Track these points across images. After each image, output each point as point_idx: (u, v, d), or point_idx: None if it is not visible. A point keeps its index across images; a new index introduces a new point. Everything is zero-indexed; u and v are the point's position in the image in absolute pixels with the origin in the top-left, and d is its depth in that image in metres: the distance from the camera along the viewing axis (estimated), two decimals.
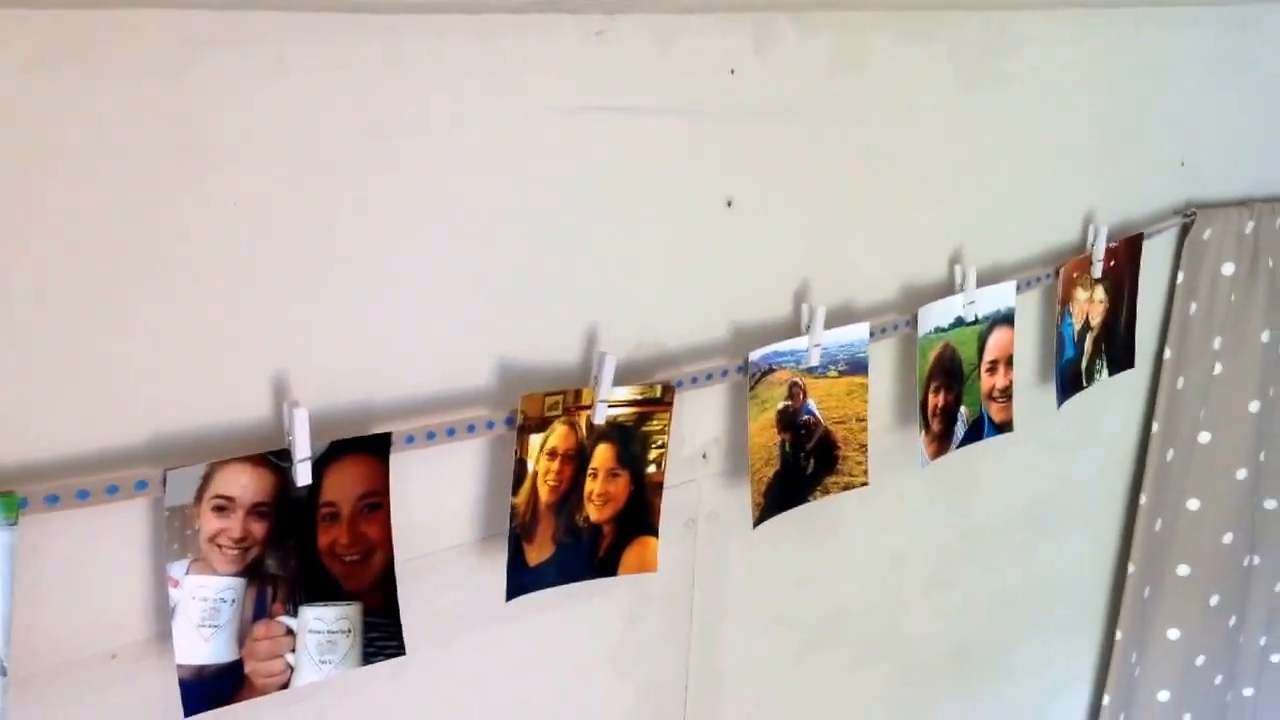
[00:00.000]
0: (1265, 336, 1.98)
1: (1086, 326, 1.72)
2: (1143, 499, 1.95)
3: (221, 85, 0.92)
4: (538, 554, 1.19)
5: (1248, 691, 2.41)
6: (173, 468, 0.95)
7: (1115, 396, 1.87)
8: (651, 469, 1.26)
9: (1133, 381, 1.88)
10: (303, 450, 1.00)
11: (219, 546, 0.99)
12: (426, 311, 1.09)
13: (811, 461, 1.42)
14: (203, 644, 0.99)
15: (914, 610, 1.70)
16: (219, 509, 0.98)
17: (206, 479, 0.97)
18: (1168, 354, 1.90)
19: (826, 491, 1.43)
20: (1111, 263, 1.71)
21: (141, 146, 0.89)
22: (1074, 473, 1.88)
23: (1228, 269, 1.89)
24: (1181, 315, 1.88)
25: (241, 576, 1.00)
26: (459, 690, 1.21)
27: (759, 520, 1.36)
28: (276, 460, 1.00)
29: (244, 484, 0.99)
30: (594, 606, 1.31)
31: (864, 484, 1.46)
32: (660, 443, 1.25)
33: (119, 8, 0.86)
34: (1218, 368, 1.96)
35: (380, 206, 1.03)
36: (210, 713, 0.99)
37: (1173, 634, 2.11)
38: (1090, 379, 1.75)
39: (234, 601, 1.00)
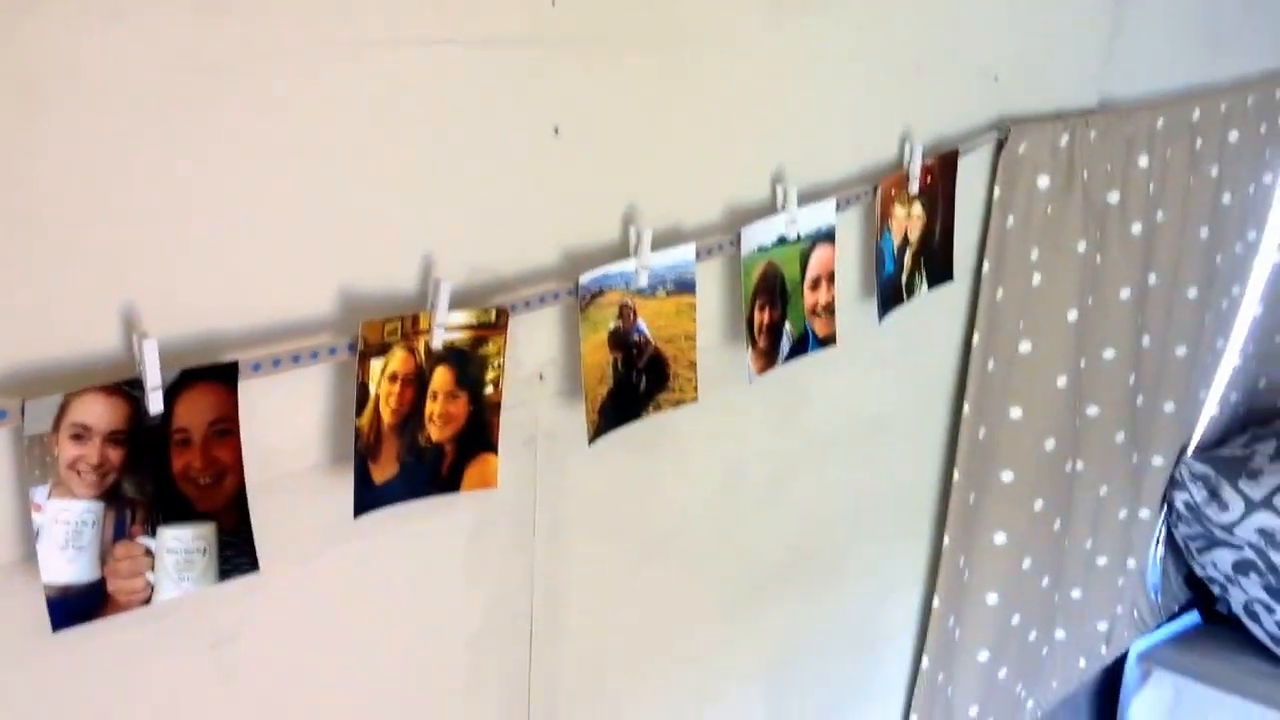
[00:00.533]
0: (1081, 247, 2.21)
1: (905, 242, 1.92)
2: (965, 409, 2.18)
3: (59, 29, 1.04)
4: (383, 473, 1.34)
5: (1076, 593, 2.69)
6: (30, 398, 1.07)
7: (937, 310, 2.08)
8: (489, 390, 1.42)
9: (954, 295, 2.09)
10: (153, 380, 1.14)
11: (78, 472, 1.12)
12: (268, 244, 1.22)
13: (644, 379, 1.59)
14: (66, 564, 1.12)
15: (749, 520, 1.89)
16: (76, 437, 1.11)
17: (63, 409, 1.10)
18: (986, 267, 2.11)
19: (659, 408, 1.61)
20: (928, 179, 1.91)
21: None
22: (901, 385, 2.09)
23: (1043, 182, 2.11)
24: (999, 229, 2.10)
25: (100, 500, 1.14)
26: (316, 602, 1.36)
27: (594, 436, 1.53)
28: (129, 390, 1.13)
29: (99, 413, 1.12)
30: (441, 523, 1.46)
31: (694, 400, 1.64)
32: (497, 364, 1.41)
33: None
34: (1036, 279, 2.18)
35: (218, 144, 1.16)
36: (77, 627, 1.13)
37: (999, 538, 2.35)
38: (911, 293, 1.96)
39: (94, 524, 1.14)
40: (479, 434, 1.42)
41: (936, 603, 2.30)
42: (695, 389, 1.64)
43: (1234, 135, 2.52)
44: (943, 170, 1.94)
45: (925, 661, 2.34)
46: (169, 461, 1.17)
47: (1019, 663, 2.55)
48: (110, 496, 1.14)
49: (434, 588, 1.48)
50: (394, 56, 1.27)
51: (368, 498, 1.33)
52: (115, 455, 1.14)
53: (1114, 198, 2.26)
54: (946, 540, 2.26)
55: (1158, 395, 2.64)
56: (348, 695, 1.43)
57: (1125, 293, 2.37)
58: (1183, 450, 2.89)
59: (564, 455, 1.58)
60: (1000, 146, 2.05)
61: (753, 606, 1.96)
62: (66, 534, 1.12)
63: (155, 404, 1.14)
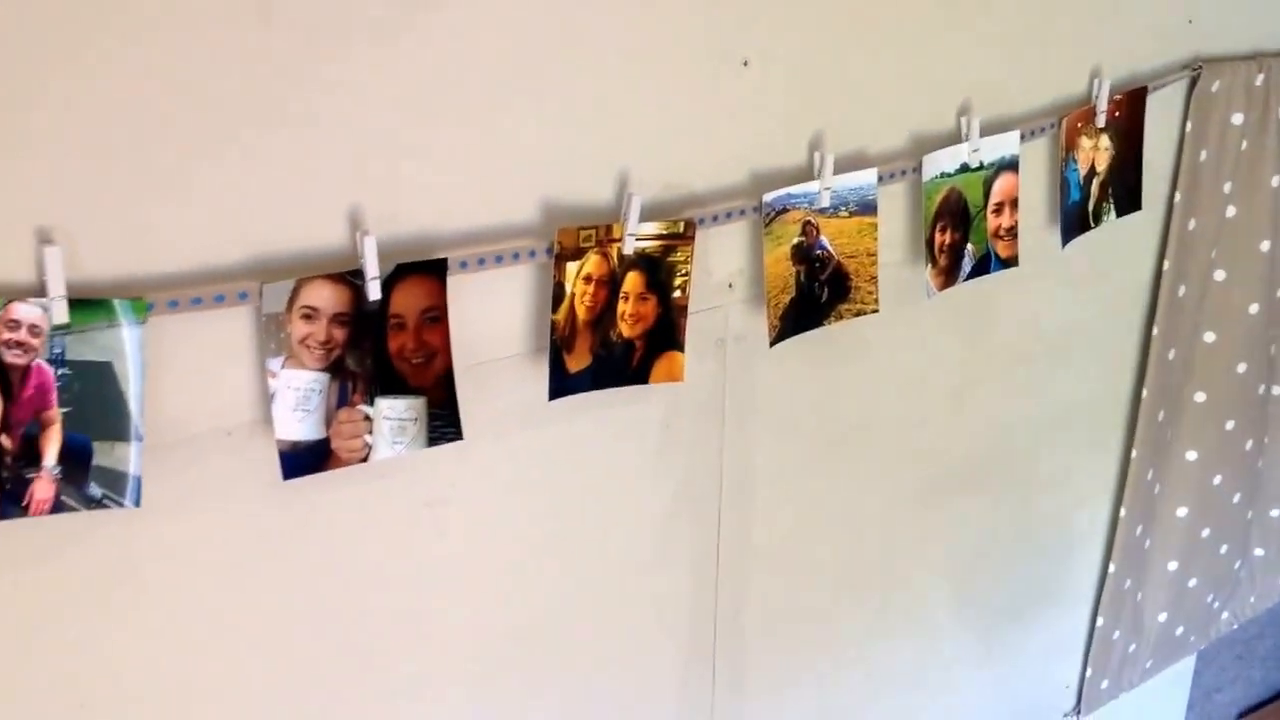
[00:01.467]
0: (1276, 182, 2.02)
1: (1092, 172, 1.80)
2: (1155, 330, 2.03)
3: None
4: (576, 363, 1.35)
5: (1275, 513, 2.49)
6: (268, 281, 1.12)
7: (1127, 238, 1.95)
8: (677, 294, 1.40)
9: (1144, 224, 1.95)
10: (372, 270, 1.16)
11: (307, 347, 1.16)
12: (478, 157, 1.23)
13: (826, 290, 1.54)
14: (296, 424, 1.17)
15: (935, 424, 1.82)
16: (306, 317, 1.15)
17: (295, 292, 1.13)
18: (1178, 198, 1.96)
19: (840, 317, 1.56)
20: (1116, 114, 1.78)
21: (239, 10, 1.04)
22: (1089, 307, 1.96)
23: (1237, 119, 1.94)
24: (1192, 162, 1.94)
25: (326, 372, 1.17)
26: (516, 474, 1.38)
27: (775, 340, 1.50)
28: (352, 279, 1.16)
29: (326, 297, 1.15)
30: (633, 412, 1.46)
31: (875, 311, 1.58)
32: (684, 271, 1.39)
33: None
34: (1230, 210, 2.01)
35: (435, 65, 1.17)
36: (304, 478, 1.17)
37: (1190, 455, 2.19)
38: (1098, 220, 1.83)
39: (321, 391, 1.18)
40: (667, 333, 1.40)
41: (1124, 512, 2.17)
42: (876, 301, 1.58)
43: None
44: (1131, 105, 1.80)
45: (1112, 567, 2.21)
46: (386, 342, 1.20)
47: (1209, 575, 2.38)
48: (334, 369, 1.18)
49: (626, 470, 1.48)
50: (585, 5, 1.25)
51: (562, 384, 1.34)
52: (339, 334, 1.17)
53: None
54: (1135, 454, 2.12)
55: None
56: (544, 559, 1.45)
57: None
58: None
59: (751, 356, 1.54)
60: (1193, 84, 1.89)
61: (938, 504, 1.89)
62: (296, 399, 1.16)
63: (374, 292, 1.17)
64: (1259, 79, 1.93)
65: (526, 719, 1.49)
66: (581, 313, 1.33)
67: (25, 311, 1.00)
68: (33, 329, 1.01)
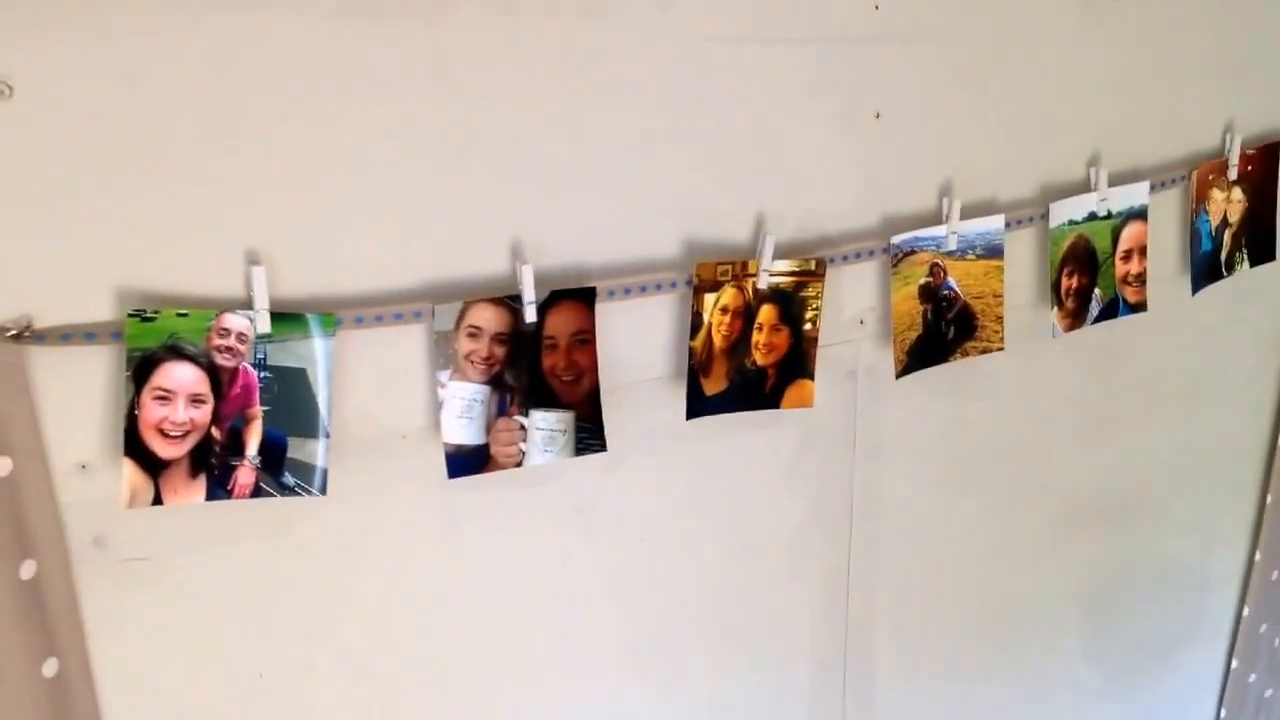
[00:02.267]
0: None
1: (1225, 223, 1.80)
2: None
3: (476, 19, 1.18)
4: (713, 386, 1.43)
5: None
6: (439, 303, 1.23)
7: (1263, 287, 1.93)
8: (808, 326, 1.47)
9: (1279, 272, 1.93)
10: (529, 296, 1.27)
11: (471, 362, 1.27)
12: (628, 197, 1.33)
13: (952, 328, 1.59)
14: (461, 430, 1.28)
15: (1065, 462, 1.84)
16: (471, 335, 1.26)
17: (462, 313, 1.25)
18: None
19: (966, 354, 1.61)
20: (1249, 167, 1.78)
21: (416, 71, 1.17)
22: (1225, 352, 1.96)
23: None
24: None
25: (488, 385, 1.29)
26: (658, 487, 1.46)
27: (901, 373, 1.55)
28: (512, 303, 1.27)
29: (488, 318, 1.27)
30: (768, 435, 1.53)
31: (1000, 349, 1.62)
32: (815, 306, 1.46)
33: None
34: None
35: (594, 120, 1.28)
36: (466, 478, 1.28)
37: None
38: (1230, 270, 1.83)
39: (482, 402, 1.29)
40: (798, 362, 1.48)
41: (1259, 556, 2.13)
42: (1002, 339, 1.62)
43: None
44: (1265, 160, 1.80)
45: (1247, 610, 2.17)
46: (540, 360, 1.31)
47: None
48: (495, 382, 1.29)
49: (759, 488, 1.55)
50: (731, 50, 1.34)
51: (699, 405, 1.42)
52: (500, 351, 1.28)
53: None
54: (1270, 498, 2.09)
55: None
56: (682, 567, 1.52)
57: None
58: None
59: (881, 388, 1.60)
60: None
61: (1067, 539, 1.90)
62: (461, 407, 1.28)
63: (530, 315, 1.28)
64: None
65: (664, 705, 1.57)
66: (718, 341, 1.41)
67: (235, 321, 1.14)
68: (240, 337, 1.14)
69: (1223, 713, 2.25)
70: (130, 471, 1.11)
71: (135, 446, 1.11)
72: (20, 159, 1.03)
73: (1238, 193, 1.79)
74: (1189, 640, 2.16)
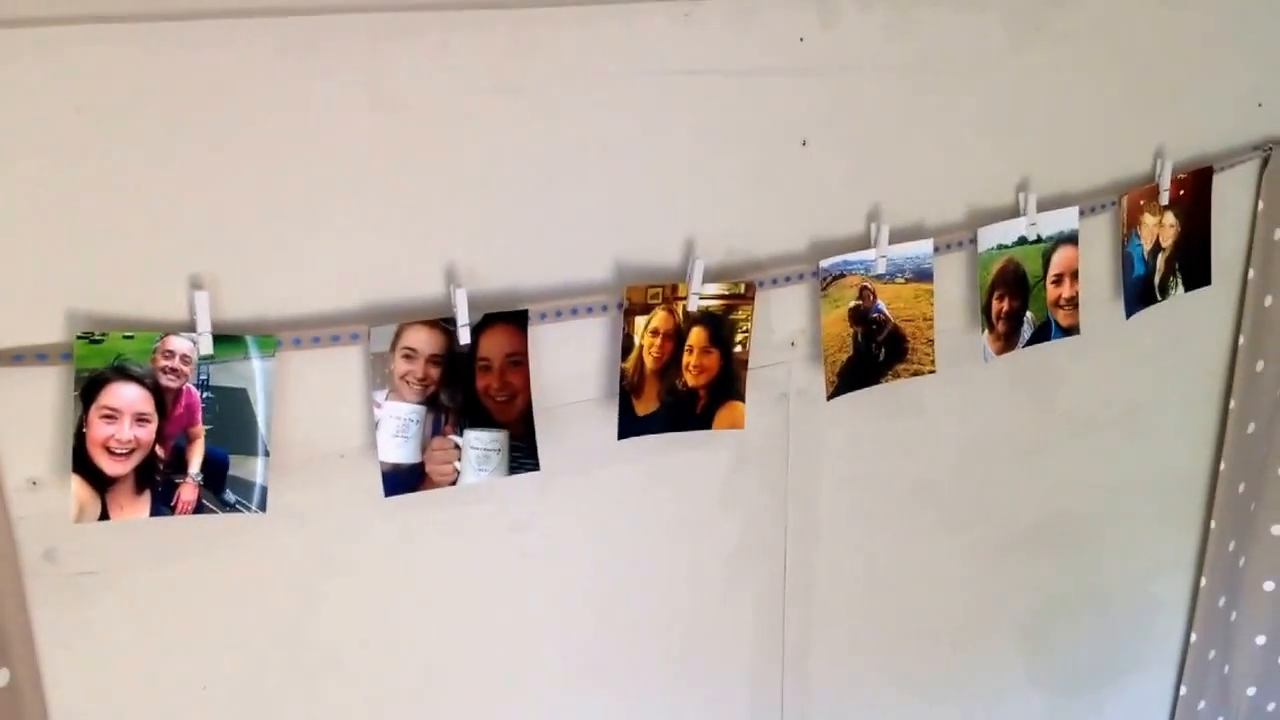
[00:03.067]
0: None
1: (1158, 247, 2.00)
2: (1233, 403, 2.21)
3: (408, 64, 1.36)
4: (645, 407, 1.61)
5: None
6: (375, 325, 1.41)
7: (1198, 312, 2.14)
8: (738, 348, 1.65)
9: (1217, 299, 2.14)
10: (463, 318, 1.45)
11: (407, 383, 1.45)
12: (560, 222, 1.51)
13: (883, 350, 1.78)
14: (396, 449, 1.45)
15: (1002, 485, 2.03)
16: (407, 356, 1.44)
17: (398, 335, 1.42)
18: (1252, 274, 2.14)
19: (897, 376, 1.79)
20: (1181, 192, 1.99)
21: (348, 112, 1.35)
22: (1162, 378, 2.15)
23: None
24: (1265, 240, 2.12)
25: (423, 405, 1.46)
26: (591, 506, 1.64)
27: (832, 395, 1.74)
28: (446, 325, 1.45)
29: (423, 340, 1.44)
30: (701, 456, 1.71)
31: (932, 371, 1.81)
32: (745, 329, 1.65)
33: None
34: None
35: (525, 148, 1.46)
36: (402, 496, 1.45)
37: (1276, 530, 2.34)
38: (1164, 294, 2.03)
39: (418, 422, 1.46)
40: (729, 384, 1.66)
41: (1204, 583, 2.33)
42: (934, 362, 1.81)
43: None
44: (1197, 184, 2.01)
45: (1194, 637, 2.37)
46: (474, 381, 1.48)
47: None
48: (430, 403, 1.46)
49: (694, 509, 1.73)
50: (665, 82, 1.52)
51: (631, 425, 1.60)
52: (434, 373, 1.45)
53: None
54: (1214, 525, 2.28)
55: None
56: (617, 586, 1.70)
57: None
58: None
59: (813, 410, 1.78)
60: (1265, 164, 2.08)
61: (1005, 564, 2.08)
62: (397, 427, 1.45)
63: (464, 337, 1.46)
64: None
65: None
66: (649, 362, 1.60)
67: (178, 343, 1.31)
68: (184, 358, 1.31)
69: None
70: (78, 487, 1.27)
71: (83, 463, 1.28)
72: None
73: (1170, 217, 1.99)
74: (1135, 667, 2.35)
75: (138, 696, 1.40)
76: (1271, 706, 2.54)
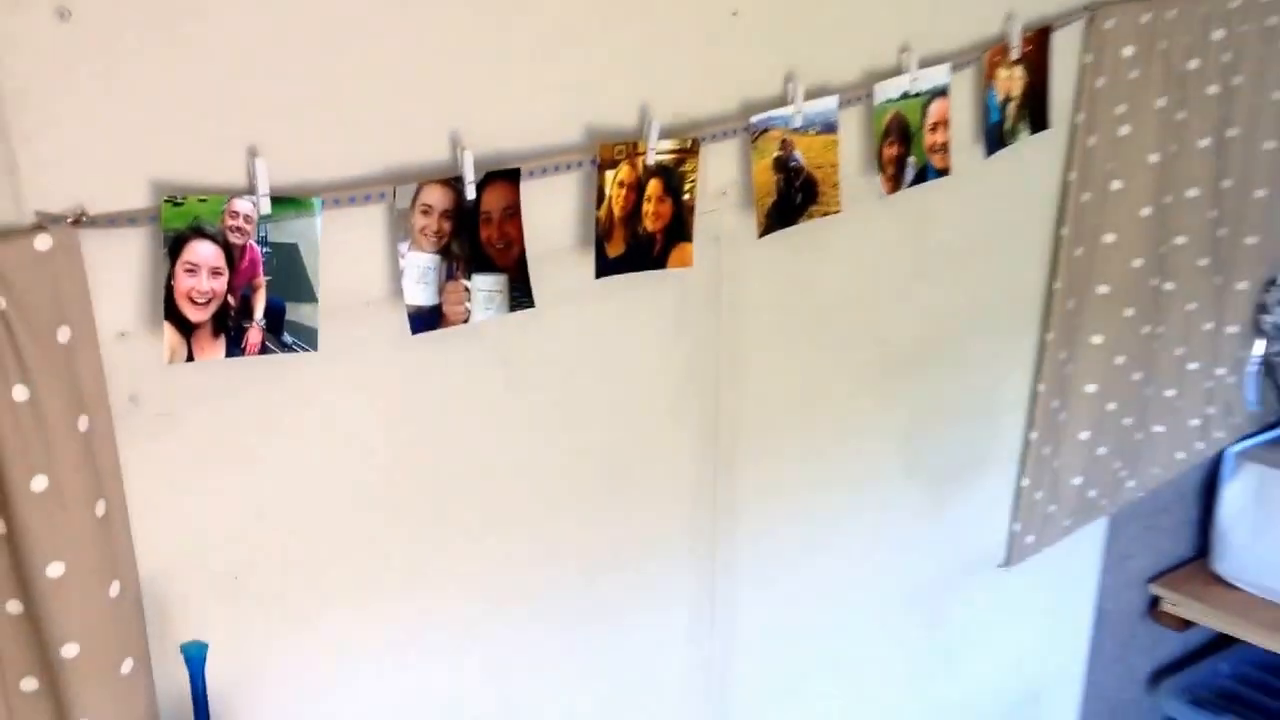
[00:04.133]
0: (1161, 103, 2.53)
1: (1008, 98, 2.29)
2: (1064, 231, 2.53)
3: None
4: (614, 250, 1.81)
5: (1170, 393, 3.01)
6: (397, 185, 1.56)
7: (1039, 153, 2.43)
8: (686, 196, 1.86)
9: (1053, 141, 2.44)
10: (469, 177, 1.61)
11: (425, 235, 1.61)
12: (544, 95, 1.68)
13: (800, 195, 2.01)
14: (418, 293, 1.62)
15: (888, 309, 2.30)
16: (424, 212, 1.60)
17: (416, 193, 1.59)
18: (1080, 119, 2.45)
19: (811, 216, 2.03)
20: (1028, 49, 2.27)
21: None
22: (1009, 211, 2.45)
23: (1127, 51, 2.43)
24: (1090, 88, 2.43)
25: (438, 254, 1.63)
26: (572, 339, 1.83)
27: (763, 233, 1.97)
28: (455, 183, 1.61)
29: (438, 197, 1.60)
30: (655, 293, 1.92)
31: (838, 211, 2.05)
32: (692, 179, 1.85)
33: None
34: (1123, 129, 2.51)
35: (514, 32, 1.62)
36: (425, 333, 1.63)
37: (1096, 339, 2.70)
38: (1014, 137, 2.32)
39: (434, 269, 1.63)
40: (679, 228, 1.87)
41: (1042, 388, 2.67)
42: (839, 203, 2.05)
43: None
44: (1039, 42, 2.29)
45: (1033, 435, 2.71)
46: (478, 232, 1.66)
47: (1117, 444, 2.89)
48: (444, 252, 1.63)
49: (651, 338, 1.94)
50: None
51: (605, 266, 1.80)
52: (446, 226, 1.62)
53: (1193, 64, 2.56)
54: (1050, 337, 2.62)
55: (1239, 229, 2.92)
56: (594, 406, 1.91)
57: (1205, 142, 2.67)
58: (1272, 281, 3.16)
59: (742, 249, 2.01)
60: (1090, 22, 2.38)
61: (891, 377, 2.37)
62: (418, 274, 1.62)
63: (470, 193, 1.62)
64: (1145, 17, 2.42)
65: (576, 526, 1.96)
66: (617, 211, 1.79)
67: (242, 205, 1.44)
68: (246, 218, 1.45)
69: (1016, 526, 2.81)
70: (170, 333, 1.41)
71: (172, 312, 1.41)
72: (75, 74, 1.31)
73: (1019, 71, 2.27)
74: (988, 460, 2.69)
75: (202, 522, 1.56)
76: (1093, 494, 2.93)
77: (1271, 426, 3.47)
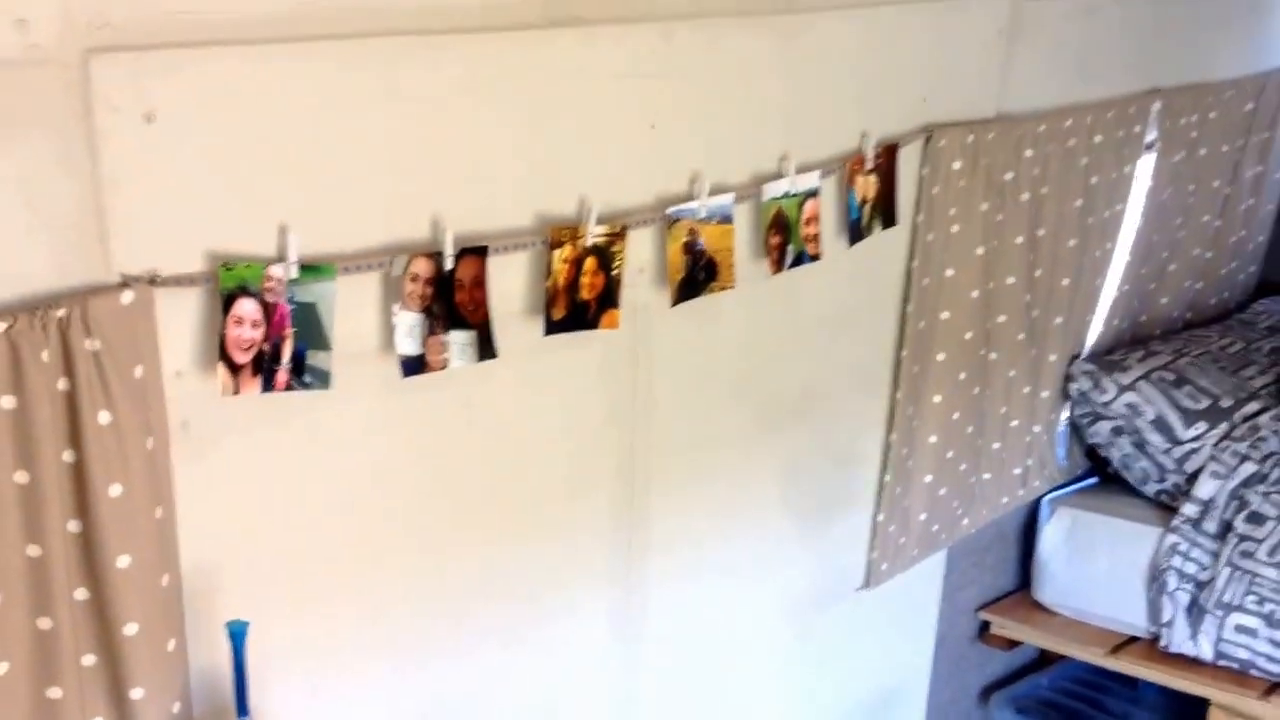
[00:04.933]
0: (984, 208, 2.90)
1: (865, 199, 2.63)
2: (909, 308, 2.87)
3: None
4: (558, 313, 2.08)
5: (995, 445, 3.36)
6: (393, 256, 1.82)
7: (890, 245, 2.77)
8: (615, 272, 2.14)
9: (900, 235, 2.78)
10: (449, 251, 1.88)
11: (412, 298, 1.86)
12: (504, 196, 1.96)
13: (703, 273, 2.31)
14: (408, 344, 1.87)
15: (769, 369, 2.60)
16: (412, 279, 1.85)
17: (408, 264, 1.84)
18: (920, 218, 2.80)
19: (711, 290, 2.33)
20: (879, 161, 2.62)
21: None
22: (867, 291, 2.78)
23: (956, 165, 2.79)
24: (928, 194, 2.78)
25: (423, 313, 1.88)
26: (525, 383, 2.09)
27: (674, 303, 2.26)
28: (437, 256, 1.87)
29: (423, 267, 1.86)
30: (589, 349, 2.18)
31: (732, 287, 2.35)
32: (620, 258, 2.14)
33: None
34: (954, 227, 2.87)
35: (486, 147, 1.90)
36: (414, 377, 1.87)
37: (936, 398, 3.04)
38: (870, 231, 2.66)
39: (420, 325, 1.88)
40: (609, 297, 2.15)
41: (894, 438, 2.99)
42: (733, 280, 2.35)
43: (1099, 138, 3.18)
44: (889, 155, 2.64)
45: (887, 478, 3.03)
46: (454, 296, 1.91)
47: (955, 487, 3.22)
48: (427, 312, 1.88)
49: (584, 385, 2.21)
50: (556, 82, 1.99)
51: (551, 326, 2.07)
52: (429, 290, 1.88)
53: (1009, 176, 2.93)
54: (899, 395, 2.95)
55: (1049, 311, 3.30)
56: (536, 441, 2.17)
57: (1019, 239, 3.04)
58: (1076, 355, 3.55)
59: (656, 316, 2.29)
60: (928, 141, 2.74)
61: (773, 425, 2.66)
62: (407, 329, 1.86)
63: (448, 264, 1.89)
64: (970, 138, 2.80)
65: (514, 544, 2.21)
66: (561, 282, 2.07)
67: (277, 271, 1.69)
68: (280, 282, 1.69)
69: (873, 554, 3.12)
70: (223, 372, 1.64)
71: (224, 355, 1.64)
72: (155, 165, 1.55)
73: (873, 179, 2.61)
74: (850, 499, 3.00)
75: (231, 529, 1.78)
76: (935, 528, 3.25)
77: (1080, 479, 3.84)
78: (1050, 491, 3.71)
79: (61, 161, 1.46)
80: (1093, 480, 3.86)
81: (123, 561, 1.59)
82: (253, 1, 1.58)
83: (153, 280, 1.57)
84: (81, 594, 1.62)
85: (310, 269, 1.72)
